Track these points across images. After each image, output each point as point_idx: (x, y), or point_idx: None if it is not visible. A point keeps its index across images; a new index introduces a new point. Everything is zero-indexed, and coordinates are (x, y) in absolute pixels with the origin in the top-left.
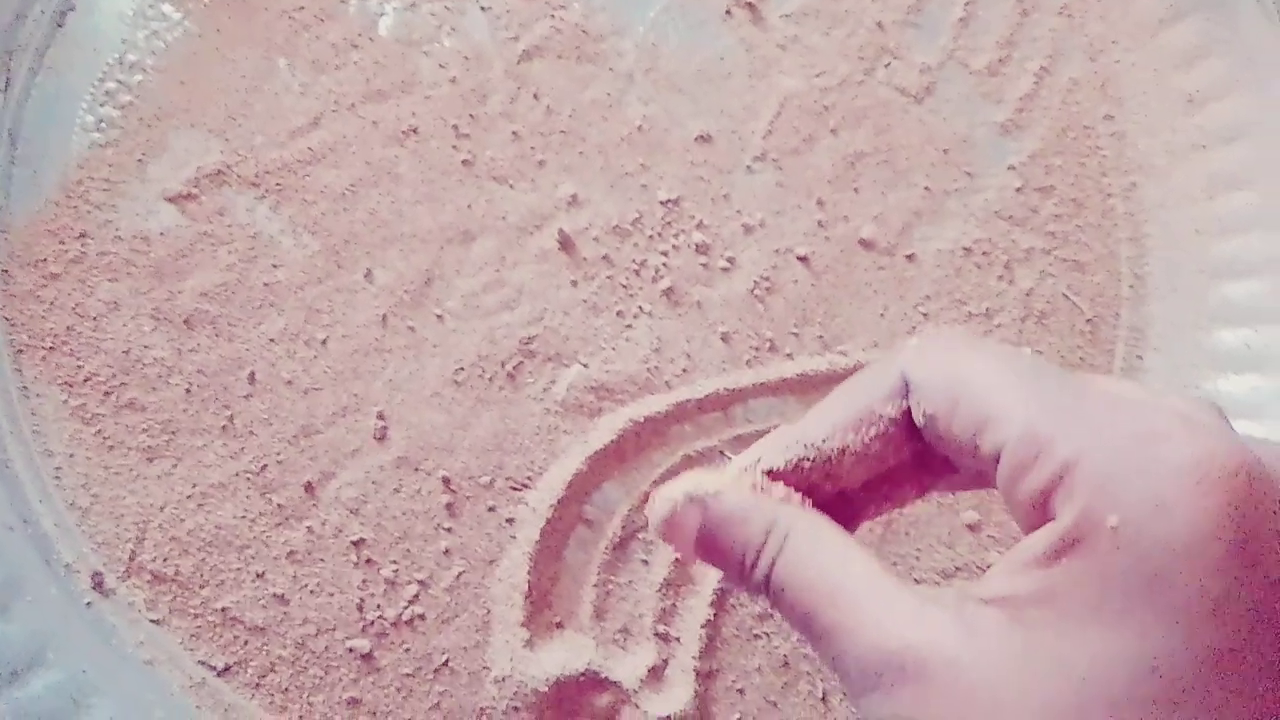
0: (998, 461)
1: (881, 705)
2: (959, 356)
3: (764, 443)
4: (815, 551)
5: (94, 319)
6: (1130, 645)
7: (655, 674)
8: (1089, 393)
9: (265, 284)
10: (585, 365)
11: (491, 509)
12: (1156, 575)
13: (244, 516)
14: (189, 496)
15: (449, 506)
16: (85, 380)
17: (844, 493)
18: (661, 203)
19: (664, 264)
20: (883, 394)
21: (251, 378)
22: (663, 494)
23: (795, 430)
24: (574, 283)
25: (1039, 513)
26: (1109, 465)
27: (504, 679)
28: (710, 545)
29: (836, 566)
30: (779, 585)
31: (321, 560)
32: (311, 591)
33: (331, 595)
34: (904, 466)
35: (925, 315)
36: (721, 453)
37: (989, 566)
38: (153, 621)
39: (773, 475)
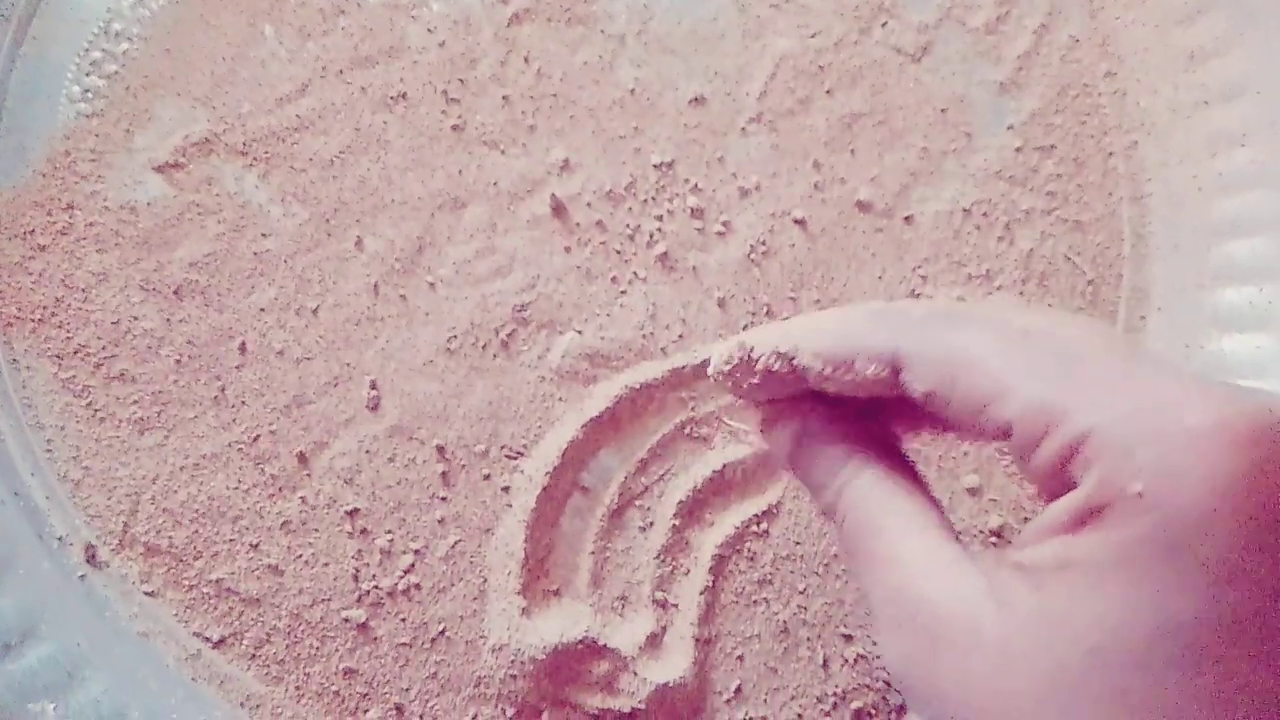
0: (1003, 433)
1: (898, 645)
2: (956, 331)
3: (760, 335)
4: (879, 488)
5: (83, 290)
6: (1147, 608)
7: (653, 641)
8: (1095, 361)
9: (255, 253)
10: (580, 332)
11: (487, 477)
12: (1178, 539)
13: (237, 487)
14: (181, 468)
15: (444, 475)
16: (75, 352)
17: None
18: (655, 167)
19: (658, 229)
20: (868, 353)
21: (242, 348)
22: (773, 415)
23: (788, 338)
24: (567, 249)
25: (1057, 481)
26: (1127, 432)
27: (501, 647)
28: (802, 464)
29: (893, 505)
30: (845, 509)
31: (316, 531)
32: (306, 562)
33: (326, 565)
34: (899, 409)
35: (924, 278)
36: (719, 419)
37: (990, 531)
38: (146, 594)
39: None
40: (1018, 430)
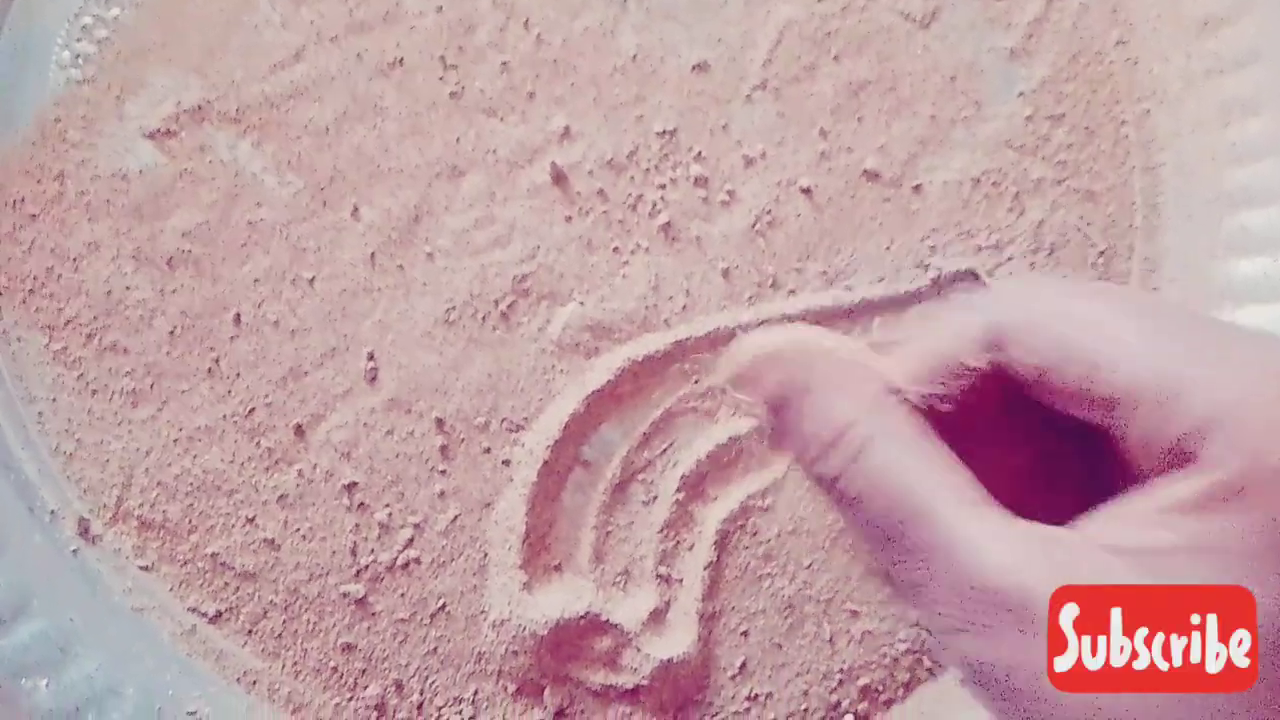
0: (1112, 408)
1: (978, 647)
2: (1060, 301)
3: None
4: (906, 460)
5: (74, 260)
6: None
7: (657, 617)
8: (1217, 330)
9: (249, 223)
10: (581, 304)
11: (487, 451)
12: None
13: (232, 461)
14: (175, 441)
15: (443, 449)
16: (66, 323)
17: None
18: (658, 135)
19: (661, 198)
20: (969, 346)
21: (237, 319)
22: (747, 344)
23: (885, 376)
24: (568, 218)
25: (1172, 459)
26: (1269, 407)
27: (502, 623)
28: (781, 414)
29: (930, 480)
30: (852, 489)
31: (313, 504)
32: (303, 536)
33: (324, 540)
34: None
35: (932, 248)
36: (723, 392)
37: None
38: (141, 568)
39: None
40: (1140, 400)
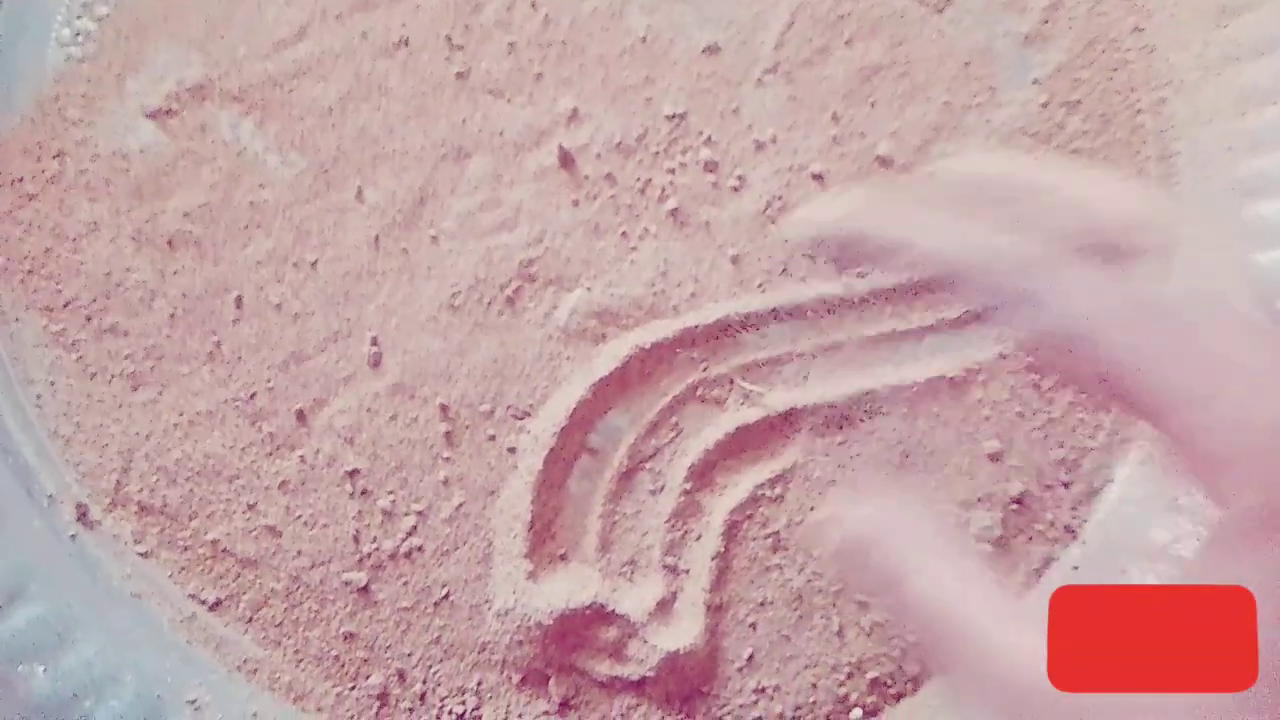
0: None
1: (979, 702)
2: (1059, 291)
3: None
4: (941, 579)
5: (73, 240)
6: None
7: (663, 607)
8: (1214, 336)
9: (251, 204)
10: (588, 289)
11: (492, 438)
12: None
13: (233, 446)
14: (176, 425)
15: (447, 435)
16: (65, 305)
17: None
18: (667, 118)
19: (670, 183)
20: (922, 257)
21: (238, 302)
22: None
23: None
24: (575, 202)
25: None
26: (1242, 452)
27: (506, 612)
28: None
29: (960, 595)
30: (906, 602)
31: (315, 491)
32: (305, 523)
33: (326, 527)
34: None
35: None
36: (732, 381)
37: (1011, 499)
38: (140, 554)
39: None
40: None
